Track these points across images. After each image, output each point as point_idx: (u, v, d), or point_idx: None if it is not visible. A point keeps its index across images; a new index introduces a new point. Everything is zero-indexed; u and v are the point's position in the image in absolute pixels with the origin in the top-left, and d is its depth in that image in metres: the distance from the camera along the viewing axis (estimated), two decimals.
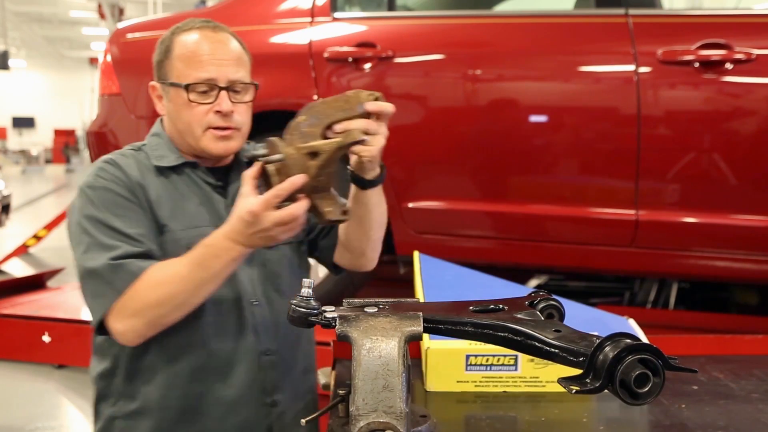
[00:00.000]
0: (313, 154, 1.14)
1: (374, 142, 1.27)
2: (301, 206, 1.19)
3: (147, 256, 1.30)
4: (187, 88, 1.37)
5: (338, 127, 1.23)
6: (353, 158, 1.33)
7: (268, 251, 1.43)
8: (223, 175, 1.48)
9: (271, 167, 1.16)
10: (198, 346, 1.38)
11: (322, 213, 1.18)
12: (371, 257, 1.55)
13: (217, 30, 1.43)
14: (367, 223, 1.45)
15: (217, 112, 1.38)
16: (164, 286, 1.26)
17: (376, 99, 1.22)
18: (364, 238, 1.49)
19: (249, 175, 1.22)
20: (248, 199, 1.20)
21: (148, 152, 1.45)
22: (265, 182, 1.19)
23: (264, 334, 1.45)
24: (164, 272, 1.27)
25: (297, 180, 1.17)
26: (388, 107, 1.28)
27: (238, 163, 1.49)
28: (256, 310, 1.44)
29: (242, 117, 1.42)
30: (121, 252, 1.28)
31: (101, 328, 1.30)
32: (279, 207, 1.18)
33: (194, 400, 1.40)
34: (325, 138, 1.22)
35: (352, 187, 1.41)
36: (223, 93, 1.38)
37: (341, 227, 1.52)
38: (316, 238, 1.60)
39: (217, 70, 1.38)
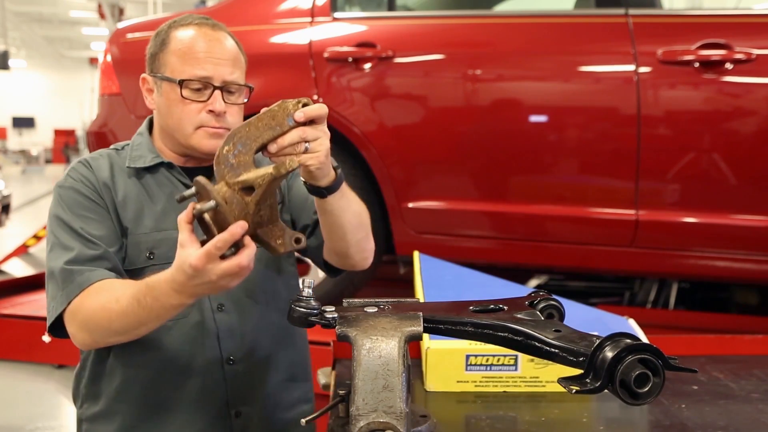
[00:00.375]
0: (248, 188, 1.01)
1: (317, 148, 1.14)
2: (247, 254, 1.06)
3: (102, 258, 1.29)
4: (181, 84, 1.35)
5: (271, 148, 1.09)
6: (302, 169, 1.19)
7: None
8: (202, 175, 1.45)
9: (206, 216, 1.01)
10: (157, 350, 1.35)
11: (273, 247, 1.06)
12: (358, 258, 1.44)
13: (216, 28, 1.41)
14: (339, 229, 1.34)
15: (210, 111, 1.36)
16: (104, 312, 1.21)
17: (304, 105, 1.08)
18: (342, 242, 1.39)
19: (183, 219, 1.07)
20: (187, 250, 1.06)
21: (128, 152, 1.45)
22: (203, 230, 1.06)
23: (228, 341, 1.40)
24: (108, 296, 1.22)
25: (237, 230, 1.02)
26: (320, 110, 1.13)
27: None
28: (221, 316, 1.40)
29: (234, 118, 1.39)
30: (75, 254, 1.27)
31: (55, 328, 1.29)
32: (223, 255, 1.05)
33: (151, 406, 1.38)
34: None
35: (314, 198, 1.30)
36: (217, 93, 1.36)
37: (322, 231, 1.42)
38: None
39: (213, 69, 1.36)
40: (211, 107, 1.36)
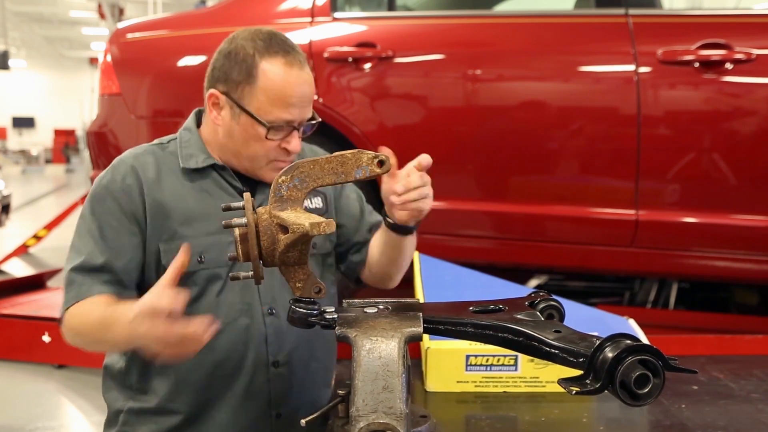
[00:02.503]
0: (284, 227, 0.98)
1: (424, 206, 1.30)
2: (195, 328, 1.07)
3: (104, 270, 1.33)
4: (270, 128, 1.35)
5: (398, 189, 1.22)
6: (406, 213, 1.33)
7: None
8: (250, 179, 1.45)
9: (236, 231, 1.00)
10: (209, 352, 1.34)
11: (291, 287, 1.04)
12: (397, 279, 1.58)
13: (303, 67, 1.38)
14: (400, 260, 1.50)
15: (284, 148, 1.39)
16: (81, 325, 1.30)
17: (381, 162, 1.01)
18: (395, 268, 1.53)
19: (171, 268, 1.09)
20: (149, 294, 1.10)
21: (177, 149, 1.44)
22: (234, 245, 1.04)
23: (275, 345, 1.42)
24: (87, 311, 1.29)
25: (195, 330, 1.06)
26: (429, 160, 1.26)
27: None
28: (270, 320, 1.42)
29: (299, 148, 1.43)
30: (81, 261, 1.32)
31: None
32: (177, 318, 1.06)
33: (200, 406, 1.40)
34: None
35: (385, 230, 1.44)
36: (295, 132, 1.39)
37: (372, 256, 1.54)
38: (347, 251, 1.59)
39: (298, 113, 1.38)
40: (286, 145, 1.38)
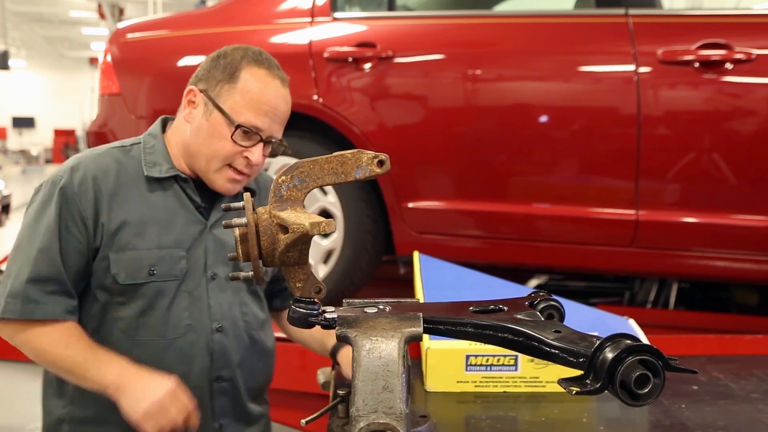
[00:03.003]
0: (284, 227, 0.98)
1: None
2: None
3: (55, 281, 1.33)
4: (237, 127, 1.37)
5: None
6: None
7: (239, 281, 1.38)
8: (208, 193, 1.46)
9: (236, 231, 1.00)
10: (150, 364, 1.37)
11: (291, 287, 1.03)
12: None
13: (284, 84, 1.44)
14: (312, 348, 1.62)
15: (246, 157, 1.40)
16: (47, 354, 1.34)
17: (381, 162, 1.00)
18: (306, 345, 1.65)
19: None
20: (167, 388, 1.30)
21: (140, 154, 1.43)
22: (235, 245, 1.04)
23: (220, 361, 1.45)
24: (57, 345, 1.33)
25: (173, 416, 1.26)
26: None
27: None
28: (217, 336, 1.44)
29: (259, 167, 1.44)
30: (31, 273, 1.32)
31: None
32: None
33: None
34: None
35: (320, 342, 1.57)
36: (260, 144, 1.40)
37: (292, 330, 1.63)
38: (273, 294, 1.68)
39: (269, 124, 1.40)
40: (249, 154, 1.39)
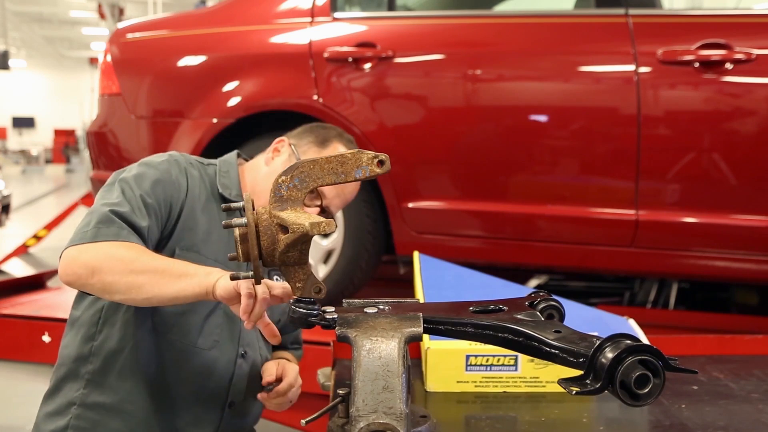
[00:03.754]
0: (284, 227, 0.98)
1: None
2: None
3: (140, 231, 1.31)
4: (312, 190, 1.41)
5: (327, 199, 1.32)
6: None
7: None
8: None
9: (236, 231, 1.00)
10: (172, 367, 1.40)
11: (291, 287, 1.03)
12: None
13: (359, 182, 1.48)
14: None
15: None
16: (125, 261, 1.24)
17: (381, 162, 0.98)
18: None
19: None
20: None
21: (215, 174, 1.51)
22: (235, 245, 1.04)
23: (237, 386, 1.48)
24: (136, 253, 1.26)
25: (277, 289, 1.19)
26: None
27: None
28: (240, 362, 1.48)
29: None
30: (126, 210, 1.30)
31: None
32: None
33: (156, 412, 1.40)
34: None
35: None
36: (317, 209, 1.50)
37: None
38: None
39: (334, 197, 1.52)
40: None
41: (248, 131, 2.62)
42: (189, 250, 1.40)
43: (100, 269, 1.24)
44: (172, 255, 1.37)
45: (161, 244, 1.39)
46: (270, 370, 1.47)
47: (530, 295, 1.04)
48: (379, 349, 0.89)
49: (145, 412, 1.39)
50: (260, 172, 1.53)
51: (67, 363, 1.42)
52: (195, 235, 1.41)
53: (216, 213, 1.47)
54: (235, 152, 1.59)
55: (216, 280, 1.18)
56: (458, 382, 1.37)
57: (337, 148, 1.51)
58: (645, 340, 1.42)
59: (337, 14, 2.68)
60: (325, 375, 1.70)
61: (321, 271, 2.60)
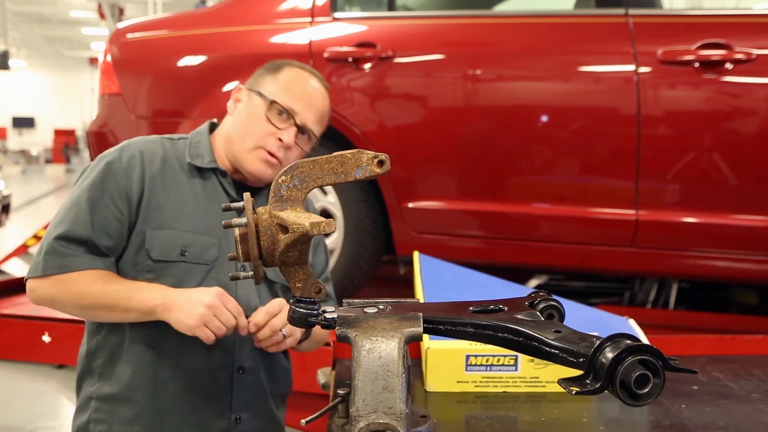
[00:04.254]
0: (284, 227, 0.98)
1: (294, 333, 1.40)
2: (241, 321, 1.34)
3: (85, 243, 1.38)
4: (272, 103, 1.45)
5: (250, 328, 1.34)
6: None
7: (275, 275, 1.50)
8: (248, 192, 1.50)
9: (236, 231, 1.00)
10: (171, 346, 1.40)
11: (291, 287, 1.02)
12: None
13: (323, 83, 1.54)
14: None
15: (279, 139, 1.45)
16: (85, 294, 1.36)
17: (381, 162, 0.98)
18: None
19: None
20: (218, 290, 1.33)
21: (186, 146, 1.51)
22: (234, 245, 1.04)
23: (244, 351, 1.46)
24: (91, 279, 1.36)
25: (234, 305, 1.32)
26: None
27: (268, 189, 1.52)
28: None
29: (292, 157, 1.48)
30: (64, 230, 1.37)
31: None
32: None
33: (162, 397, 1.42)
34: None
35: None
36: (294, 128, 1.46)
37: None
38: None
39: (303, 108, 1.47)
40: (281, 136, 1.45)
41: None
42: (161, 228, 1.41)
43: (56, 301, 1.40)
44: (143, 239, 1.40)
45: (134, 229, 1.41)
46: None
47: (530, 295, 1.04)
48: (379, 349, 0.89)
49: (149, 398, 1.41)
50: (228, 124, 1.53)
51: (82, 361, 1.49)
52: (163, 213, 1.42)
53: (188, 186, 1.46)
54: (207, 122, 1.59)
55: (161, 309, 1.32)
56: (458, 382, 1.37)
57: (290, 71, 1.50)
58: (645, 340, 1.42)
59: (337, 14, 2.68)
60: (325, 375, 1.70)
61: None
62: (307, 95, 1.49)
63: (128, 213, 1.41)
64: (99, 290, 1.35)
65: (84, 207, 1.39)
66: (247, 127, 1.47)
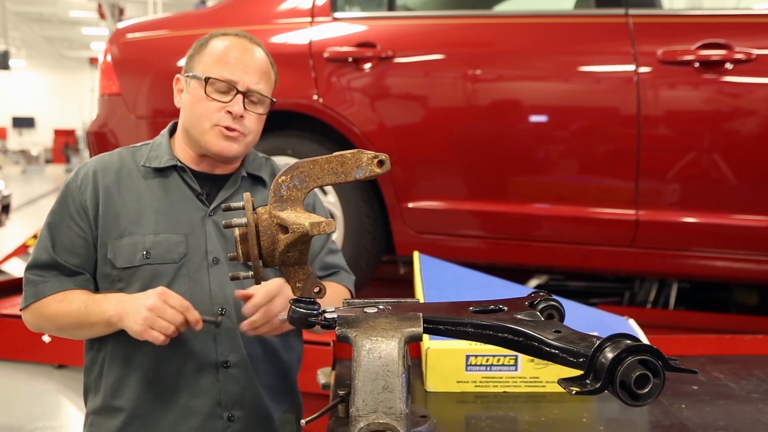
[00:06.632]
0: (284, 227, 0.97)
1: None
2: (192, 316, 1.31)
3: (53, 267, 1.43)
4: (207, 80, 1.42)
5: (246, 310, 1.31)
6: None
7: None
8: (214, 183, 1.50)
9: (236, 231, 1.00)
10: (153, 346, 1.37)
11: (291, 287, 1.02)
12: None
13: (252, 42, 1.49)
14: None
15: (228, 112, 1.43)
16: (55, 313, 1.42)
17: (381, 162, 0.98)
18: None
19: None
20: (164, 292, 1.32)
21: (147, 151, 1.51)
22: (235, 244, 1.03)
23: (225, 345, 1.43)
24: (59, 302, 1.41)
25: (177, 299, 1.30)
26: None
27: (238, 174, 1.52)
28: (222, 319, 1.41)
29: (251, 125, 1.46)
30: (31, 260, 1.44)
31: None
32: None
33: (148, 403, 1.42)
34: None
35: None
36: (239, 97, 1.43)
37: None
38: None
39: (240, 75, 1.44)
40: (230, 108, 1.43)
41: None
42: (121, 237, 1.42)
43: (42, 328, 1.49)
44: (106, 250, 1.42)
45: (98, 242, 1.43)
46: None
47: (530, 295, 1.04)
48: (379, 349, 0.89)
49: (135, 405, 1.41)
50: (183, 116, 1.51)
51: (84, 378, 1.51)
52: (122, 221, 1.42)
53: (146, 189, 1.46)
54: (171, 123, 1.58)
55: (115, 319, 1.33)
56: (458, 382, 1.37)
57: (214, 42, 1.46)
58: (645, 340, 1.42)
59: (337, 14, 2.68)
60: (325, 375, 1.70)
61: None
62: (238, 60, 1.44)
63: (89, 228, 1.43)
64: (63, 311, 1.39)
65: (45, 233, 1.44)
66: (195, 111, 1.45)
